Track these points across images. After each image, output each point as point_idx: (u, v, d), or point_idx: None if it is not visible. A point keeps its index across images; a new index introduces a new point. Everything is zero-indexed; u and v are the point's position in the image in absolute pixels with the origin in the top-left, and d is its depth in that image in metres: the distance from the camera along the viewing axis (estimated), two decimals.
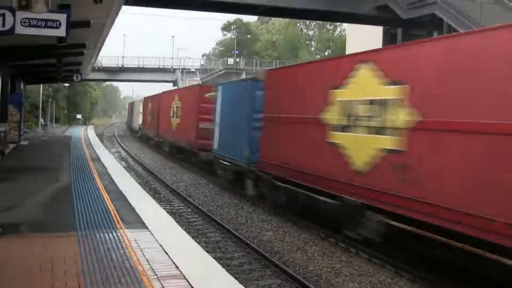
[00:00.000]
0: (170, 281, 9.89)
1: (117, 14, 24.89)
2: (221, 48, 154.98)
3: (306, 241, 19.86)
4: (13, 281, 9.80)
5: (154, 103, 65.42)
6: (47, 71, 50.03)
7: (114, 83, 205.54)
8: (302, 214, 22.66)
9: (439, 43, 16.42)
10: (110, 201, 18.42)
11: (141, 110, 79.15)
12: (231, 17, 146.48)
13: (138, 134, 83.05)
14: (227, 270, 11.65)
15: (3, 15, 16.50)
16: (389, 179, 16.17)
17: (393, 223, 15.91)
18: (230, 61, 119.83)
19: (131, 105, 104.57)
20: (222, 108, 32.77)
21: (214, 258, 12.89)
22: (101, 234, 13.48)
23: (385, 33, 44.20)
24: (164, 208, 21.40)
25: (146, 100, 75.70)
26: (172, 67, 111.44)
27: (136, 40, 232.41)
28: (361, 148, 17.71)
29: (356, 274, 16.06)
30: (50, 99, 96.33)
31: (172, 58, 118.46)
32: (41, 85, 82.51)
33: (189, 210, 25.92)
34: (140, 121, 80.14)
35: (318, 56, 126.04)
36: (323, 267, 16.81)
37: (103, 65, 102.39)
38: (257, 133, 26.03)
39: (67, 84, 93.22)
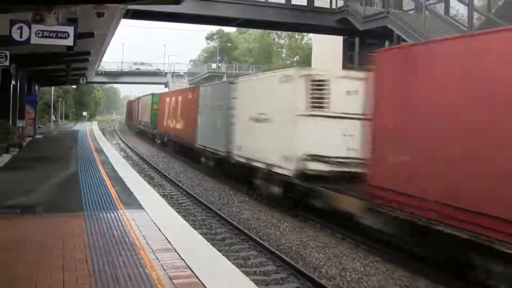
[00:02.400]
0: (163, 254, 9.89)
1: (117, 26, 24.80)
2: (206, 55, 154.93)
3: (279, 218, 19.93)
4: (31, 254, 9.79)
5: None
6: (58, 75, 49.80)
7: (115, 85, 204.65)
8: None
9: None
10: (111, 186, 18.40)
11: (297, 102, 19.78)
12: (214, 28, 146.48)
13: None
14: (211, 244, 11.66)
15: (21, 28, 16.49)
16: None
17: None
18: (213, 66, 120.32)
19: (165, 98, 50.39)
20: None
21: (200, 233, 12.87)
22: (104, 214, 13.47)
23: (344, 42, 44.27)
24: (158, 192, 21.36)
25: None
26: (164, 71, 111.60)
27: (133, 48, 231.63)
28: None
29: (321, 246, 16.12)
30: (61, 99, 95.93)
31: (164, 63, 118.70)
32: (53, 87, 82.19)
33: (179, 193, 25.90)
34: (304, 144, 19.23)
35: (288, 62, 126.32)
36: (293, 240, 16.86)
37: (105, 70, 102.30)
38: None
39: (74, 86, 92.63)
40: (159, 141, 53.09)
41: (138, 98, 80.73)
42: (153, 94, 59.27)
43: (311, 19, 39.23)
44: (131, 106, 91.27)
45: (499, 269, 10.96)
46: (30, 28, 16.51)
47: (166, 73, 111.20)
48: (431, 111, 12.74)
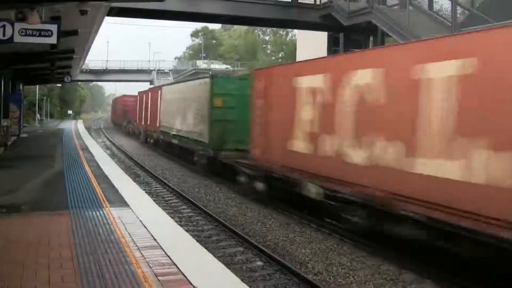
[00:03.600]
0: (149, 251, 9.91)
1: (100, 23, 24.75)
2: (191, 52, 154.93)
3: (265, 215, 19.96)
4: (16, 252, 9.79)
5: None
6: (42, 74, 49.63)
7: (100, 83, 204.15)
8: None
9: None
10: (97, 184, 18.40)
11: None
12: (198, 25, 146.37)
13: None
14: (197, 241, 11.69)
15: (4, 26, 16.43)
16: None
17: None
18: (199, 63, 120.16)
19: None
20: None
21: (186, 231, 12.92)
22: (90, 212, 13.46)
23: (329, 37, 44.25)
24: (144, 189, 21.37)
25: None
26: (149, 68, 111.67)
27: (118, 46, 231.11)
28: None
29: (307, 242, 16.16)
30: (45, 98, 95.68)
31: (149, 61, 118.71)
32: (37, 86, 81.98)
33: (165, 190, 25.89)
34: None
35: (273, 58, 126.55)
36: (279, 236, 16.89)
37: (90, 68, 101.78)
38: None
39: (59, 85, 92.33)
40: (262, 184, 22.04)
41: (157, 88, 50.88)
42: (212, 77, 31.53)
43: (295, 15, 39.26)
44: (128, 105, 72.31)
45: None
46: (13, 26, 16.46)
47: (151, 71, 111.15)
48: None
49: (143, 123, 54.42)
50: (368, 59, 16.76)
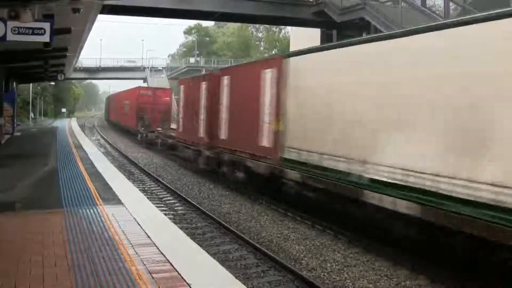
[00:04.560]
0: (143, 248, 9.89)
1: (93, 21, 24.72)
2: (184, 49, 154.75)
3: (259, 211, 19.96)
4: (10, 251, 9.76)
5: None
6: (36, 72, 49.62)
7: (93, 81, 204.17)
8: None
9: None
10: (90, 182, 18.35)
11: None
12: (192, 22, 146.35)
13: None
14: (191, 238, 11.69)
15: None
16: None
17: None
18: (192, 60, 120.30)
19: None
20: None
21: (180, 228, 12.89)
22: (83, 210, 13.43)
23: (322, 34, 44.26)
24: (137, 187, 21.42)
25: None
26: (142, 66, 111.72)
27: (112, 43, 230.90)
28: None
29: (302, 238, 16.17)
30: (39, 96, 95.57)
31: (142, 58, 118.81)
32: (31, 84, 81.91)
33: (159, 188, 25.85)
34: None
35: (266, 55, 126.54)
36: (273, 233, 16.89)
37: (83, 66, 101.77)
38: None
39: (53, 83, 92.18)
40: None
41: (253, 65, 24.43)
42: None
43: (288, 12, 39.30)
44: (145, 102, 53.25)
45: None
46: (5, 24, 16.40)
47: (144, 68, 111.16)
48: None
49: (202, 135, 28.25)
50: None
